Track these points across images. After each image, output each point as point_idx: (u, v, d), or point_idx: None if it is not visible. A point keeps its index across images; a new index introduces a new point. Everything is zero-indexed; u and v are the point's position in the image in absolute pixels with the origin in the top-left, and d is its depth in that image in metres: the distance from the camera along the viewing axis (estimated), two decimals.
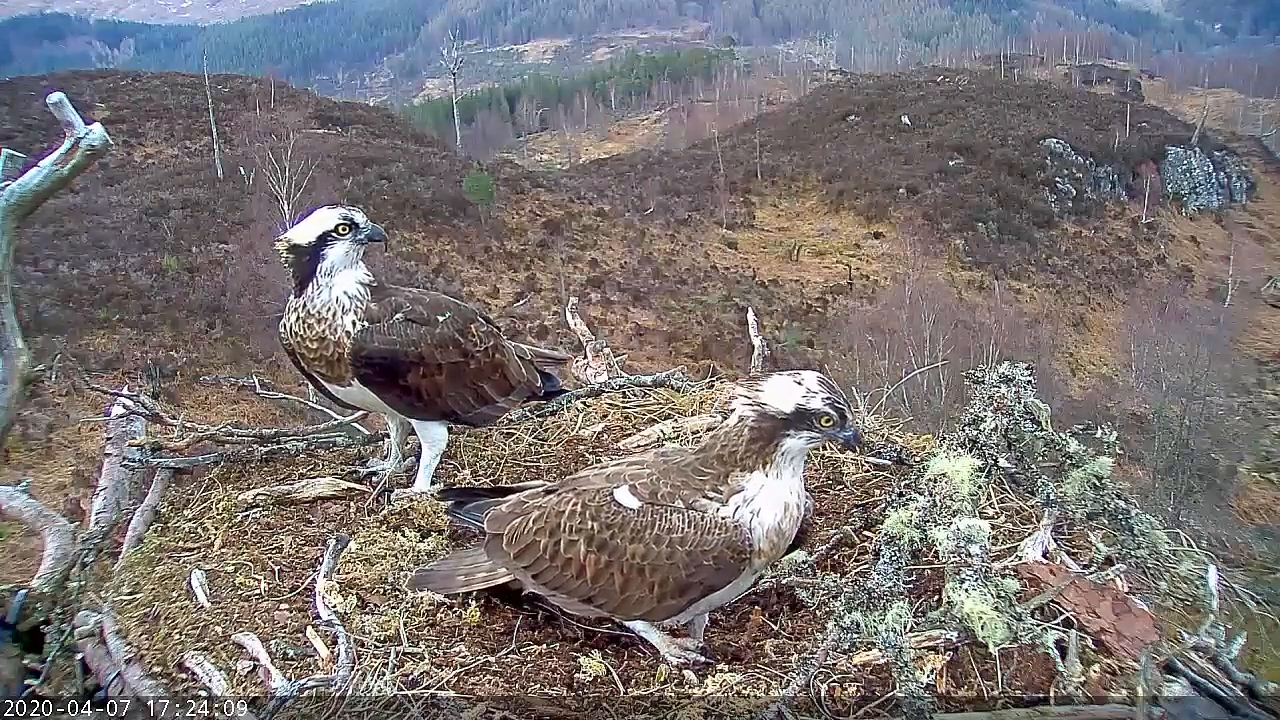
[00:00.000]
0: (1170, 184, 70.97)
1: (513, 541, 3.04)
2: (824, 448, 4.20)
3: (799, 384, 2.79)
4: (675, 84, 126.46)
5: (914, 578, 3.15)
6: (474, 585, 3.17)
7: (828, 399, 2.76)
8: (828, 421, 2.76)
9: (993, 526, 3.06)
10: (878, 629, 2.48)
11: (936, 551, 3.09)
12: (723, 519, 2.79)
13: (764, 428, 2.77)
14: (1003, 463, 3.37)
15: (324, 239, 3.64)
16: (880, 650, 2.50)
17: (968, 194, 60.88)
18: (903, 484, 3.38)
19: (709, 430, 2.99)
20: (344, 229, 3.65)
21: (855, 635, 2.53)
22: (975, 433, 3.20)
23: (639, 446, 4.20)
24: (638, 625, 3.04)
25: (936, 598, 3.01)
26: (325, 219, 3.67)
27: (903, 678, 2.38)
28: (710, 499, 2.83)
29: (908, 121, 75.12)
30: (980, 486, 2.92)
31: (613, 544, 2.84)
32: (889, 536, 2.73)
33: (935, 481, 2.87)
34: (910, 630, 2.71)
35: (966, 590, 2.51)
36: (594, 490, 2.95)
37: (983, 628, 2.45)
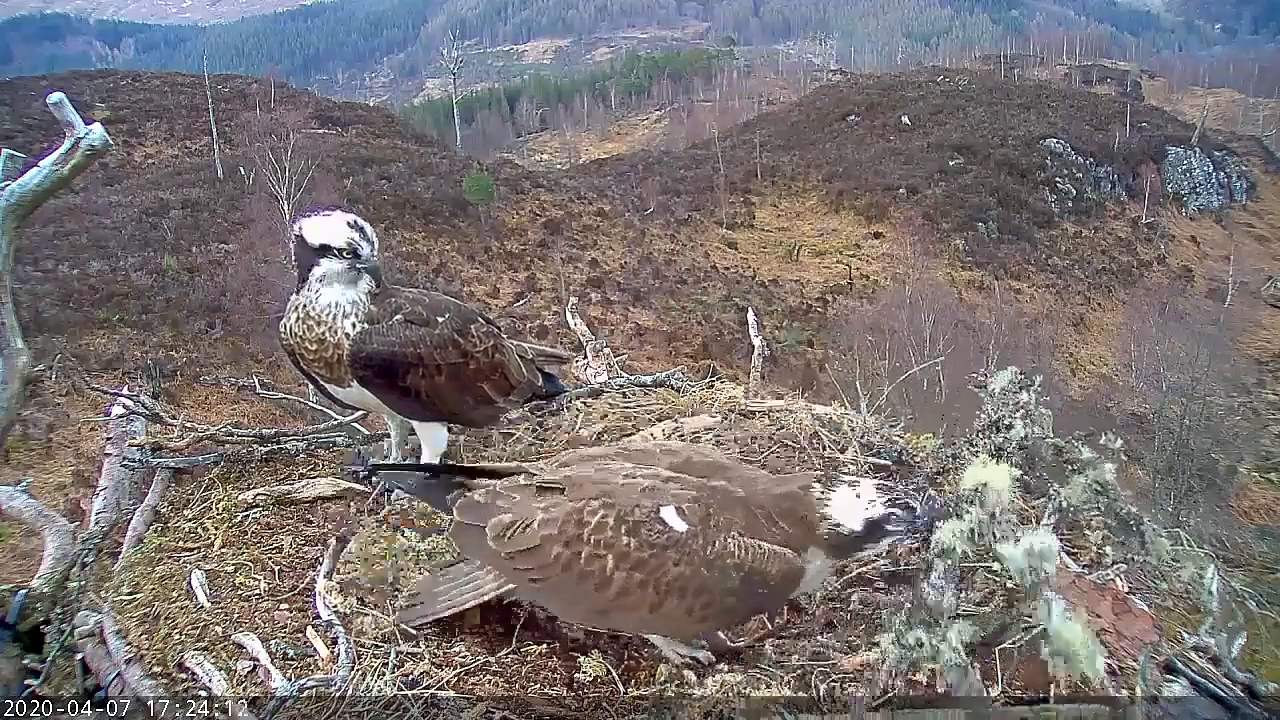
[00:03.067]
0: (1170, 184, 70.96)
1: (506, 540, 2.89)
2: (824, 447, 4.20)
3: (858, 497, 2.80)
4: (675, 84, 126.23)
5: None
6: (464, 605, 3.04)
7: (890, 501, 2.79)
8: (897, 522, 2.79)
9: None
10: (939, 649, 2.41)
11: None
12: (782, 550, 2.78)
13: (841, 544, 2.82)
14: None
15: (324, 250, 3.57)
16: (942, 672, 2.43)
17: (968, 194, 60.89)
18: (929, 494, 3.37)
19: (795, 482, 2.92)
20: (345, 253, 3.56)
21: (915, 655, 2.44)
22: (1001, 440, 3.18)
23: (645, 437, 4.17)
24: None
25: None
26: (335, 233, 3.56)
27: (971, 700, 2.34)
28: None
29: (908, 121, 75.12)
30: (1018, 496, 2.89)
31: (651, 564, 2.73)
32: (942, 549, 2.67)
33: (979, 491, 2.84)
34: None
35: (1064, 619, 2.40)
36: (630, 505, 2.81)
37: (1085, 659, 2.36)
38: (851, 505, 2.80)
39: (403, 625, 3.04)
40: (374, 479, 3.87)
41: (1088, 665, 2.36)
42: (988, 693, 2.44)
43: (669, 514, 2.77)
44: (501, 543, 2.89)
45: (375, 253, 3.60)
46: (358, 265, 3.58)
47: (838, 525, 2.79)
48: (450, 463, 3.81)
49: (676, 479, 2.91)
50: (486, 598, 3.01)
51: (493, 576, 3.01)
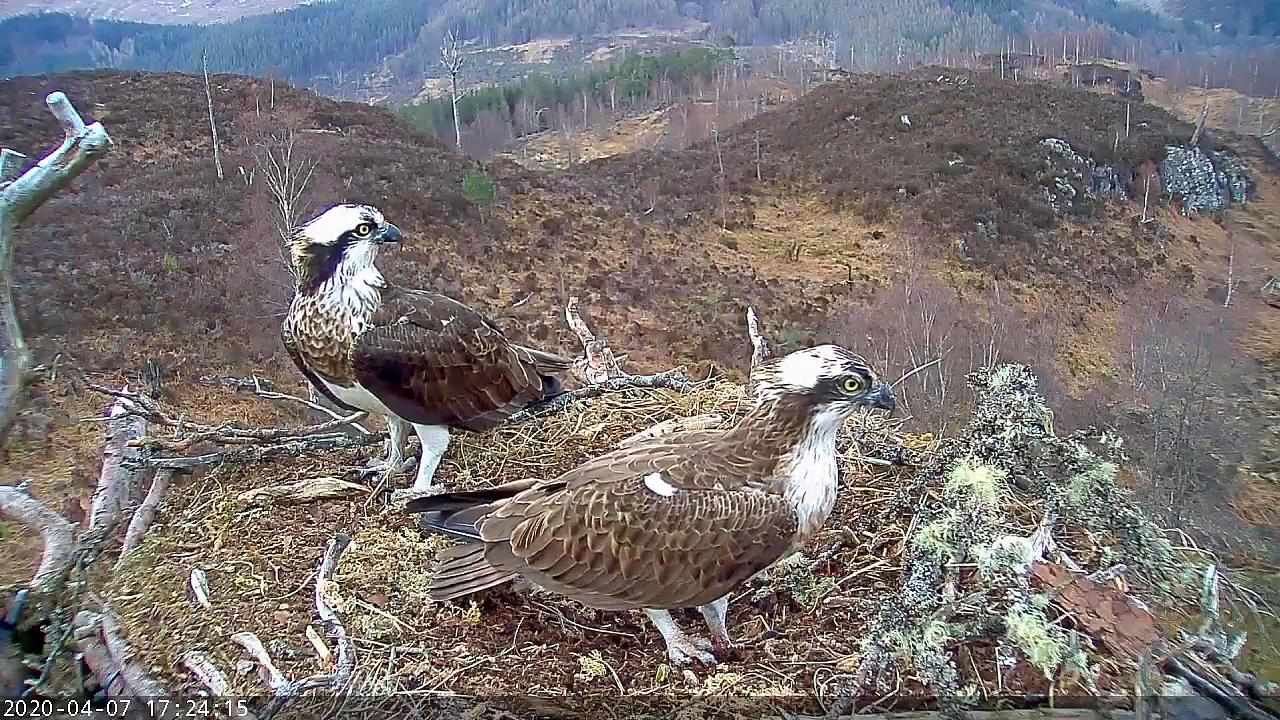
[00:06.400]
0: (1170, 184, 71.00)
1: (526, 545, 2.95)
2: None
3: (815, 357, 2.83)
4: (675, 84, 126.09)
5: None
6: (489, 584, 3.14)
7: (847, 364, 2.79)
8: (853, 385, 2.79)
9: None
10: (916, 648, 2.42)
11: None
12: (768, 497, 2.79)
13: (791, 407, 2.79)
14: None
15: (345, 238, 3.62)
16: (920, 671, 2.45)
17: (968, 194, 60.92)
18: (927, 495, 3.36)
19: (739, 414, 2.97)
20: (365, 229, 3.64)
21: (892, 654, 2.46)
22: (993, 441, 3.17)
23: (646, 437, 4.19)
24: (657, 614, 3.03)
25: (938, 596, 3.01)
26: (346, 218, 3.65)
27: (944, 698, 2.34)
28: (752, 488, 2.82)
29: (908, 121, 75.09)
30: (1004, 498, 2.89)
31: (648, 533, 2.78)
32: (921, 551, 2.66)
33: (962, 494, 2.84)
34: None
35: (1019, 614, 2.45)
36: (619, 480, 2.88)
37: (1038, 652, 2.40)
38: (805, 364, 2.81)
39: (435, 598, 3.19)
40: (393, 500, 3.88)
41: (1040, 657, 2.39)
42: (966, 691, 2.44)
43: (654, 481, 2.84)
44: (523, 550, 2.97)
45: (383, 219, 3.72)
46: (378, 235, 3.68)
47: (786, 386, 2.79)
48: (475, 489, 3.88)
49: (663, 448, 3.00)
50: (511, 576, 3.10)
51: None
